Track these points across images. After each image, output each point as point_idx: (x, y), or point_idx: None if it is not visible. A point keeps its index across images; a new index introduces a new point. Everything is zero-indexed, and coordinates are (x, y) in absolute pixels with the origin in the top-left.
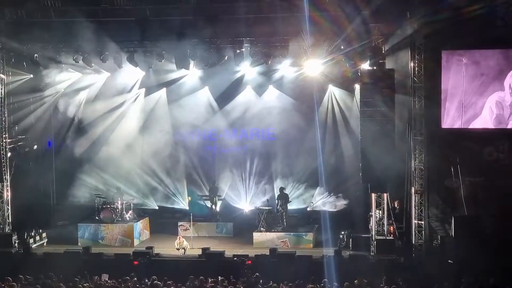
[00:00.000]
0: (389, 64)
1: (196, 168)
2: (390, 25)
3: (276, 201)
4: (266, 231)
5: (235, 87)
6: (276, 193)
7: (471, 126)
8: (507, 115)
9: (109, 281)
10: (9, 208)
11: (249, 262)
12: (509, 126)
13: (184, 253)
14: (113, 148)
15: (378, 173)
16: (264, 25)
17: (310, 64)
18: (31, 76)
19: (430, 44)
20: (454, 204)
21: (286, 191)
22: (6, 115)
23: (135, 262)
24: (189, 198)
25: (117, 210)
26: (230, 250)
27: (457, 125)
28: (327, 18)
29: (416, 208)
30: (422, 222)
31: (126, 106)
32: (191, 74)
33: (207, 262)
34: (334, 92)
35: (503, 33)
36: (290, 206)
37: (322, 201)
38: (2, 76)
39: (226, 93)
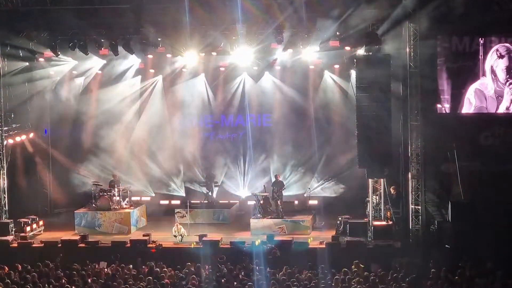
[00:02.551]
0: (384, 49)
1: (193, 155)
2: (385, 10)
3: (271, 187)
4: (263, 217)
5: (231, 73)
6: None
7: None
8: (492, 107)
9: (106, 268)
10: (6, 196)
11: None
12: (501, 111)
13: (181, 240)
14: (109, 135)
15: (374, 158)
16: None
17: (307, 50)
18: (27, 64)
19: (426, 29)
20: (450, 189)
21: (282, 178)
22: (2, 103)
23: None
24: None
25: (114, 197)
26: (227, 237)
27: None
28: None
29: (413, 193)
30: (419, 207)
31: (122, 93)
32: (187, 61)
33: (204, 249)
34: (330, 78)
35: (499, 17)
36: (288, 192)
37: (319, 187)
38: None
39: (222, 79)
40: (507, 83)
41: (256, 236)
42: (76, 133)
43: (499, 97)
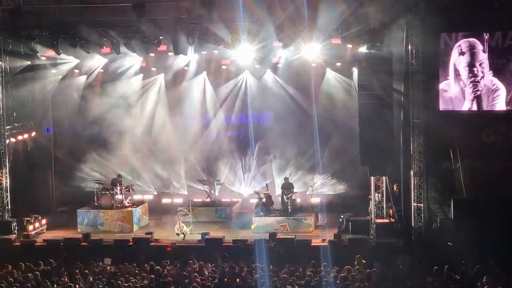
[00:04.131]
0: (386, 47)
1: (195, 153)
2: (387, 8)
3: (281, 189)
4: (265, 215)
5: (233, 71)
6: (276, 178)
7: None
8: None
9: (109, 267)
10: (8, 195)
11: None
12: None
13: (183, 238)
14: (111, 133)
15: (376, 156)
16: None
17: (308, 48)
18: (29, 63)
19: (427, 27)
20: (452, 187)
21: (287, 177)
22: (4, 102)
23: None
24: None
25: (116, 196)
26: (230, 235)
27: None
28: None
29: (415, 191)
30: (421, 205)
31: (123, 92)
32: (189, 59)
33: (206, 247)
34: (332, 76)
35: (500, 15)
36: None
37: (322, 185)
38: (0, 63)
39: (224, 77)
40: (469, 82)
41: (259, 234)
42: (78, 132)
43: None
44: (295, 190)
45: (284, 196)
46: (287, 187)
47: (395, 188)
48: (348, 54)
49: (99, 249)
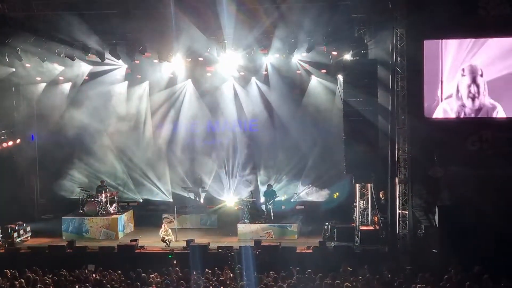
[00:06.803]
0: (371, 54)
1: (180, 160)
2: (372, 16)
3: (263, 197)
4: (250, 222)
5: (218, 78)
6: (260, 185)
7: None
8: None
9: (93, 275)
10: None
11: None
12: (495, 116)
13: (168, 246)
14: (96, 141)
15: (361, 163)
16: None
17: (293, 55)
18: (14, 70)
19: (412, 34)
20: (437, 194)
21: (271, 184)
22: None
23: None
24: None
25: (101, 203)
26: (215, 242)
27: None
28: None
29: (400, 198)
30: (406, 212)
31: (108, 99)
32: (174, 67)
33: (191, 254)
34: (317, 83)
35: (486, 22)
36: None
37: (306, 192)
38: None
39: (209, 85)
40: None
41: (244, 241)
42: (63, 139)
43: None
44: (279, 197)
45: (267, 203)
46: (269, 194)
47: (381, 196)
48: (333, 61)
49: (84, 257)
